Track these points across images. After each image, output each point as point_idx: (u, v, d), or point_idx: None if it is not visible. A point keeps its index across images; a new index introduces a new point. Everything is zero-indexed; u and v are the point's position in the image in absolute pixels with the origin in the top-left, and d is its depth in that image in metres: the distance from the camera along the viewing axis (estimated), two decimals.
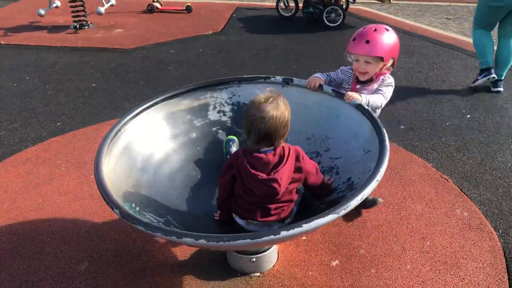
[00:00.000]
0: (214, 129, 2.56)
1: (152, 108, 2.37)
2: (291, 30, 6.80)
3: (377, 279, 2.24)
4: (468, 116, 3.93)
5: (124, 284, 2.24)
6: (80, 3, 6.56)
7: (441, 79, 4.78)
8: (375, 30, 2.31)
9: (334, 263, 2.34)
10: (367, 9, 8.06)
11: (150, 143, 2.31)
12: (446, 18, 7.90)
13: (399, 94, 4.39)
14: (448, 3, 9.06)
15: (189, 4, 7.80)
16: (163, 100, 2.41)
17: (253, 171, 1.88)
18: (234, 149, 2.43)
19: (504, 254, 2.39)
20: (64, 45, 6.04)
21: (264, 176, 1.88)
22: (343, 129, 2.31)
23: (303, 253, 2.41)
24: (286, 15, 7.39)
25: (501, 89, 4.35)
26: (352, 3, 7.18)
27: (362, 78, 2.40)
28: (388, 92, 2.38)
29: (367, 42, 2.28)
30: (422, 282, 2.22)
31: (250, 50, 5.85)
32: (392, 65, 2.39)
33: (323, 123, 2.39)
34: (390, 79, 2.41)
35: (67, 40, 6.23)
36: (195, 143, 2.49)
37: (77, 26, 6.69)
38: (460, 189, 2.93)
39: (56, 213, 2.73)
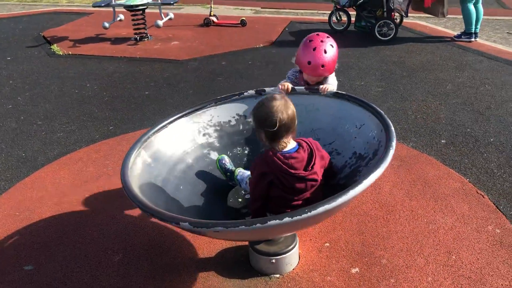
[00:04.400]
0: (205, 151, 2.66)
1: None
2: (342, 43, 6.72)
3: None
4: None
5: (151, 277, 2.40)
6: (141, 16, 6.98)
7: (492, 94, 4.62)
8: (325, 52, 2.61)
9: (354, 271, 2.37)
10: (423, 23, 7.91)
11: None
12: (508, 32, 7.59)
13: (444, 108, 4.32)
14: (511, 17, 8.69)
15: (244, 18, 8.03)
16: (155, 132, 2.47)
17: (292, 171, 2.04)
18: (228, 165, 2.59)
19: None
20: (123, 56, 6.45)
21: (305, 173, 2.06)
22: (327, 118, 2.54)
23: (324, 259, 2.46)
24: (338, 28, 7.43)
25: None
26: (405, 17, 7.09)
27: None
28: (335, 81, 2.80)
29: (323, 66, 2.61)
30: None
31: None
32: None
33: (304, 119, 2.50)
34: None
35: (127, 51, 6.65)
36: (192, 168, 2.58)
37: (138, 38, 7.11)
38: (496, 206, 2.85)
39: (100, 208, 2.96)
